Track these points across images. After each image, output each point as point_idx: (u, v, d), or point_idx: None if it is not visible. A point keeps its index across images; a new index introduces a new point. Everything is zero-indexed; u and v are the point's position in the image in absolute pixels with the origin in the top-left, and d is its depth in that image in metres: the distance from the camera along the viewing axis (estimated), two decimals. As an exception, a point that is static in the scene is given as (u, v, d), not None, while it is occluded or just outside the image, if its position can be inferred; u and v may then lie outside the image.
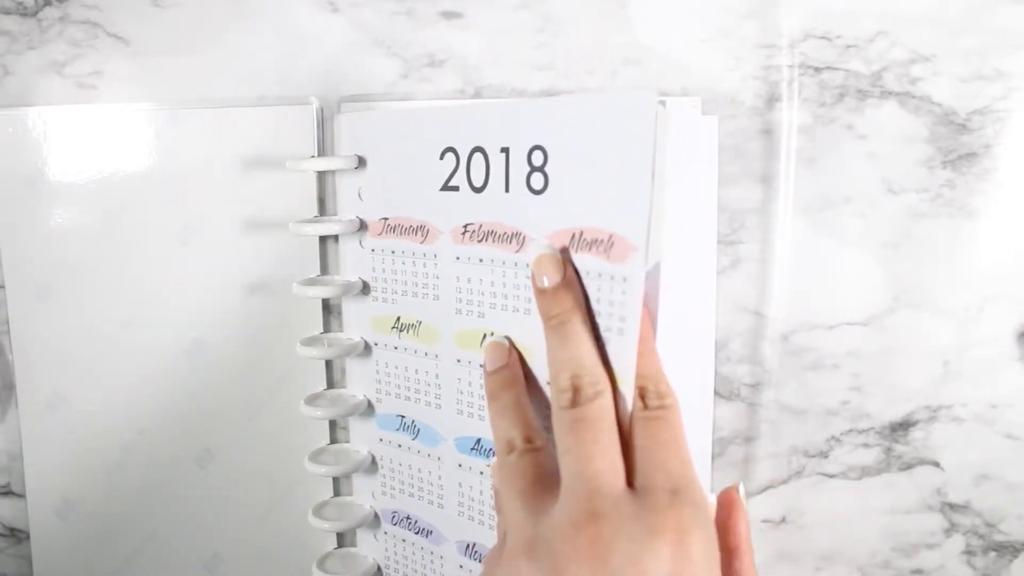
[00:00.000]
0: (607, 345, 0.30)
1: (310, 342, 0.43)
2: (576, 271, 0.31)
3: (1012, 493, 0.45)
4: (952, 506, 0.45)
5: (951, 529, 0.45)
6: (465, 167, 0.37)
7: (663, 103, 0.29)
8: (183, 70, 0.43)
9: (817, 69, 0.42)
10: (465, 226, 0.37)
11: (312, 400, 0.43)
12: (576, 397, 0.28)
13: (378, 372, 0.42)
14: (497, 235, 0.36)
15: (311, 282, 0.43)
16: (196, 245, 0.44)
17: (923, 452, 0.44)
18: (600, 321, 0.31)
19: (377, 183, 0.41)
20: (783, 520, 0.45)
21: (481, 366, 0.35)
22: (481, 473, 0.38)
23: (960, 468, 0.45)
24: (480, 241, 0.37)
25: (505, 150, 0.35)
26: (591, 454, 0.27)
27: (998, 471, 0.45)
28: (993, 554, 0.45)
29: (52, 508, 0.46)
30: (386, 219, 0.41)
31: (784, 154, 0.42)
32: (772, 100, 0.42)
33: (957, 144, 0.42)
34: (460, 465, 0.39)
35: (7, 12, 0.43)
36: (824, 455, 0.45)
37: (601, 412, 0.28)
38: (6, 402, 0.46)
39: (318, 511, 0.44)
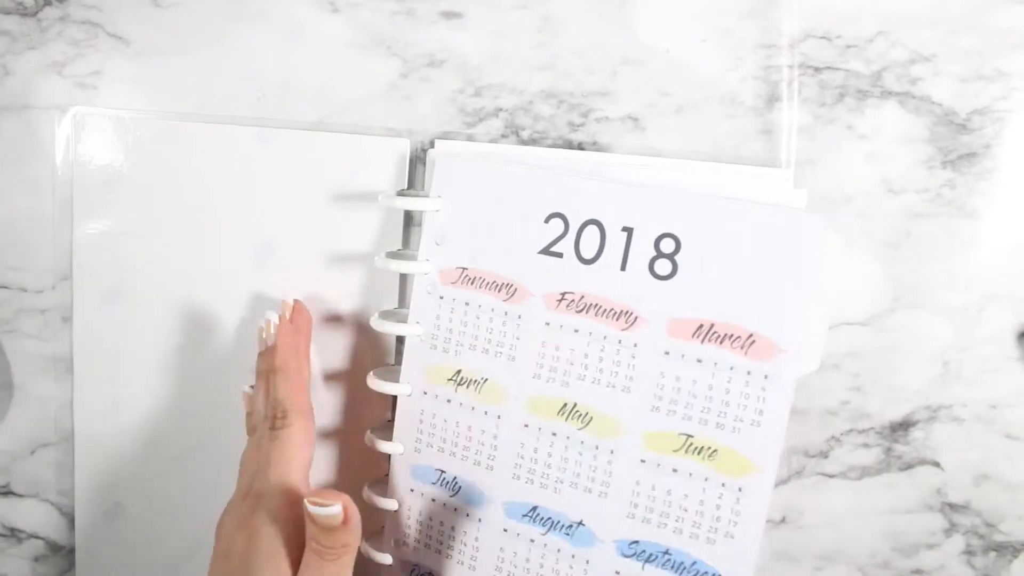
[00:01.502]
0: (734, 434, 0.33)
1: (383, 374, 0.42)
2: None
3: (1012, 493, 0.45)
4: (952, 506, 0.45)
5: (951, 529, 0.45)
6: (575, 237, 0.36)
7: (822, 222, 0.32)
8: (183, 70, 0.43)
9: (817, 69, 0.42)
10: (563, 294, 0.37)
11: (377, 431, 0.43)
12: None
13: (422, 422, 0.41)
14: (602, 309, 0.35)
15: (387, 315, 0.42)
16: (272, 266, 0.44)
17: (923, 452, 0.44)
18: (719, 417, 0.33)
19: (461, 231, 0.39)
20: (783, 520, 0.45)
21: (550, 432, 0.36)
22: (532, 541, 0.38)
23: (960, 468, 0.45)
24: (580, 312, 0.36)
25: (628, 230, 0.35)
26: None
27: (998, 471, 0.45)
28: (993, 554, 0.45)
29: (100, 511, 0.46)
30: (464, 269, 0.39)
31: (784, 154, 0.42)
32: (772, 100, 0.42)
33: (957, 144, 0.42)
34: (505, 530, 0.39)
35: (7, 12, 0.43)
36: (824, 455, 0.45)
37: None
38: (5, 402, 0.46)
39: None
